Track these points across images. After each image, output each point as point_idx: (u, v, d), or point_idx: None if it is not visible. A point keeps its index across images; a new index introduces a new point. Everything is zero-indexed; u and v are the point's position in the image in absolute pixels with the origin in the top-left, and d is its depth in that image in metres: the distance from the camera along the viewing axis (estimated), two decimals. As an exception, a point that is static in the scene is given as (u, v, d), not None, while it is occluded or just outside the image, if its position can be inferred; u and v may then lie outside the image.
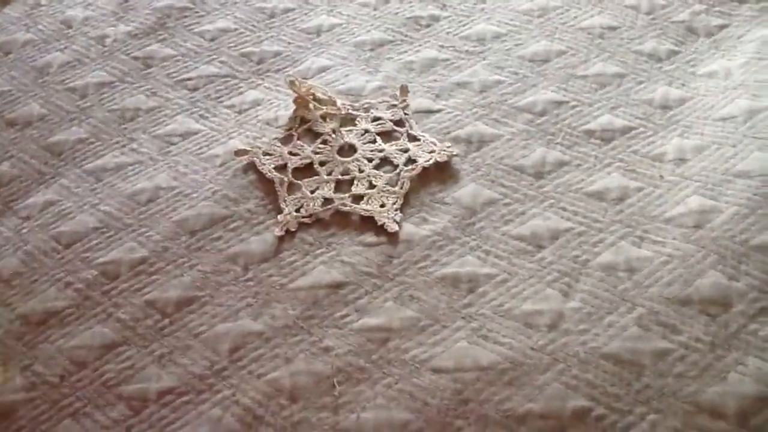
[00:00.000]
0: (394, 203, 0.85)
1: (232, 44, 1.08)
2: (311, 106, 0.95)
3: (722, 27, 1.03)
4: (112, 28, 1.13)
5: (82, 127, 0.99)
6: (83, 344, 0.77)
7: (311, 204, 0.86)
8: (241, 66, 1.04)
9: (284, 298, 0.78)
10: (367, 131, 0.94)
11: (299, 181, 0.89)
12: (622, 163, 0.87)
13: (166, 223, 0.86)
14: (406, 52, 1.04)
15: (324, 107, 0.95)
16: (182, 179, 0.91)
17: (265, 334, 0.76)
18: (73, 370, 0.75)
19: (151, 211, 0.88)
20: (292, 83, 0.95)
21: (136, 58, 1.07)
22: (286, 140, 0.94)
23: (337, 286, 0.78)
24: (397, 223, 0.83)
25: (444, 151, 0.89)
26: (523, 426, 0.67)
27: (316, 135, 0.94)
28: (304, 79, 0.99)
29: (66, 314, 0.80)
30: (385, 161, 0.90)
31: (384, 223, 0.83)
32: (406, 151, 0.90)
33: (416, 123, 0.93)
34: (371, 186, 0.87)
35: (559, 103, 0.94)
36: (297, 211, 0.86)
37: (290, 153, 0.92)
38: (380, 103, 0.96)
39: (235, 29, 1.10)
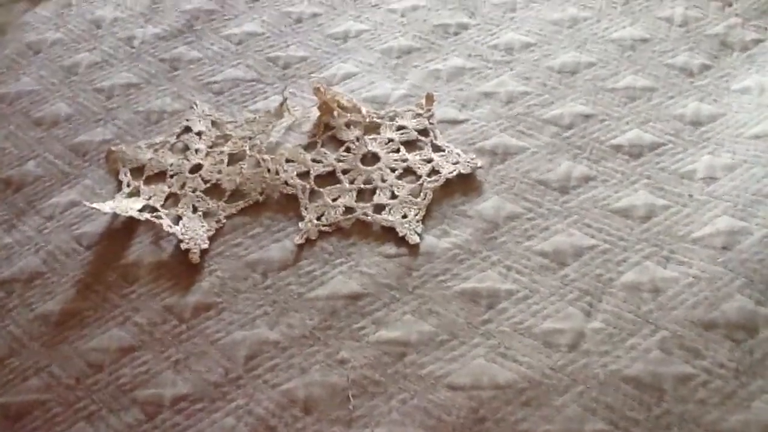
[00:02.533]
0: (416, 214, 0.84)
1: (258, 48, 1.08)
2: (335, 113, 0.95)
3: (758, 42, 1.01)
4: (141, 29, 1.13)
5: (108, 128, 0.99)
6: (100, 347, 0.77)
7: (332, 212, 0.86)
8: (266, 70, 1.04)
9: (302, 308, 0.78)
10: (391, 140, 0.93)
11: (321, 189, 0.88)
12: (649, 180, 0.85)
13: (187, 227, 0.86)
14: (433, 60, 1.03)
15: (348, 115, 0.95)
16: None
17: (281, 344, 0.75)
18: (89, 372, 0.76)
19: (173, 215, 0.88)
20: (317, 90, 0.95)
21: (162, 60, 1.08)
22: (309, 147, 0.93)
23: (356, 297, 0.78)
24: (419, 235, 0.82)
25: (468, 162, 0.88)
26: (539, 448, 0.66)
27: (340, 143, 0.93)
28: (329, 85, 0.98)
29: (84, 316, 0.80)
30: (408, 171, 0.89)
31: (405, 234, 0.82)
32: (429, 161, 0.89)
33: (441, 133, 0.92)
34: (393, 196, 0.87)
35: (587, 117, 0.93)
36: (318, 219, 0.85)
37: (313, 160, 0.91)
38: (406, 111, 0.95)
39: (262, 33, 1.10)
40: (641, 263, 0.78)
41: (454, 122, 0.94)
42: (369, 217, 0.84)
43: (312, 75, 1.02)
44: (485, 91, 0.97)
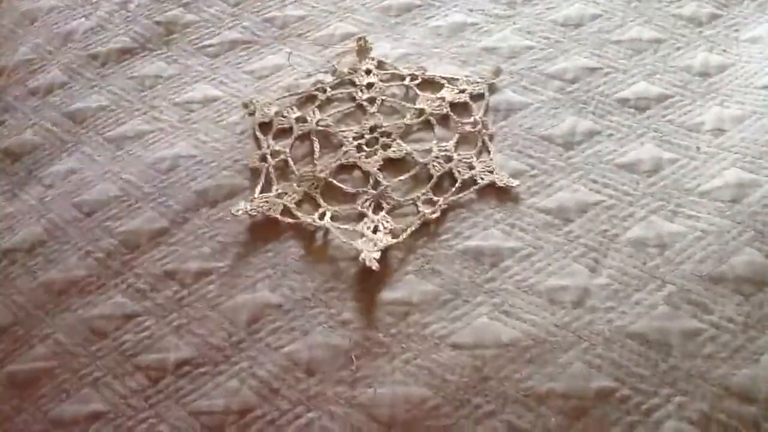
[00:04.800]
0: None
1: (255, 9, 1.05)
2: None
3: (769, -11, 0.97)
4: (137, -7, 1.11)
5: (103, 95, 0.98)
6: (103, 314, 0.77)
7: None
8: (263, 31, 1.02)
9: (303, 270, 0.77)
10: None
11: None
12: (656, 133, 0.83)
13: (187, 193, 0.85)
14: (433, 16, 1.00)
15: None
16: (202, 147, 0.90)
17: (283, 306, 0.75)
18: (94, 339, 0.76)
19: (172, 180, 0.87)
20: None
21: (158, 23, 1.06)
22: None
23: (357, 258, 0.77)
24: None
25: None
26: (544, 405, 0.66)
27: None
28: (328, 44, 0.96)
29: (87, 283, 0.80)
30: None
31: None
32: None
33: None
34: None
35: (592, 70, 0.90)
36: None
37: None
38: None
39: (260, -7, 1.08)
40: (647, 218, 0.76)
41: (455, 79, 0.92)
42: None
43: (309, 34, 1.00)
44: (487, 47, 0.95)
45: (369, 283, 0.75)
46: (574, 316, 0.70)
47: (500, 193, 0.80)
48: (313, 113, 0.90)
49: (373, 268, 0.74)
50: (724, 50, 0.91)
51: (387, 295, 0.74)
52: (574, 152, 0.83)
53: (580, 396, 0.66)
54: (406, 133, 0.87)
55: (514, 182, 0.80)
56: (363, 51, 0.94)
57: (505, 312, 0.71)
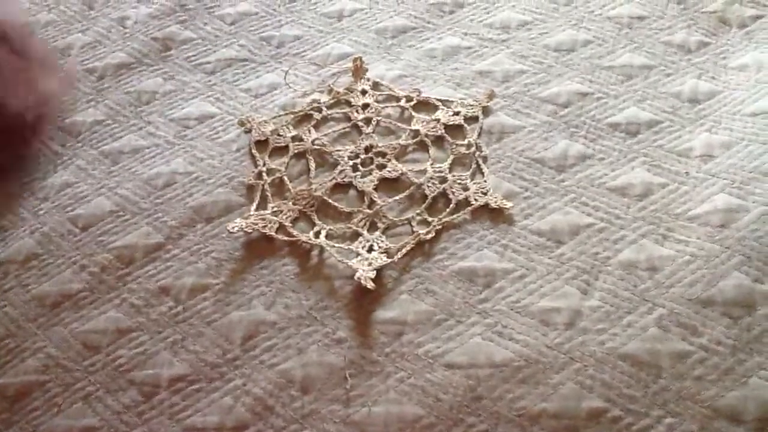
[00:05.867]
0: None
1: (252, 27, 1.07)
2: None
3: (756, 18, 1.00)
4: (134, 9, 1.12)
5: (99, 109, 0.98)
6: (97, 328, 0.77)
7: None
8: (259, 50, 1.03)
9: (298, 288, 0.78)
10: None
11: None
12: (646, 157, 0.85)
13: (182, 209, 0.86)
14: (428, 39, 1.02)
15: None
16: (198, 164, 0.90)
17: (278, 324, 0.75)
18: (87, 354, 0.75)
19: (168, 196, 0.87)
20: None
21: (155, 40, 1.07)
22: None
23: (352, 276, 0.77)
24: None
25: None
26: (536, 425, 0.66)
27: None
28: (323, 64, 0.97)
29: (80, 297, 0.80)
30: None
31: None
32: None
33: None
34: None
35: (584, 95, 0.92)
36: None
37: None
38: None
39: (256, 12, 1.09)
40: (638, 241, 0.77)
41: (450, 101, 0.93)
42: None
43: (306, 54, 1.02)
44: (481, 70, 0.96)
45: (364, 302, 0.76)
46: (566, 338, 0.71)
47: (494, 215, 0.81)
48: (309, 132, 0.91)
49: (369, 287, 0.75)
50: (713, 77, 0.93)
51: (381, 314, 0.75)
52: (567, 175, 0.84)
53: (572, 416, 0.66)
54: (401, 154, 0.88)
55: (508, 204, 0.81)
56: (359, 71, 0.96)
57: (498, 332, 0.72)
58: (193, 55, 1.04)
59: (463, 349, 0.71)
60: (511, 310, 0.74)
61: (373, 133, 0.90)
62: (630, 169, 0.84)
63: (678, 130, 0.88)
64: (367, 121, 0.92)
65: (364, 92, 0.94)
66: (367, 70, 0.96)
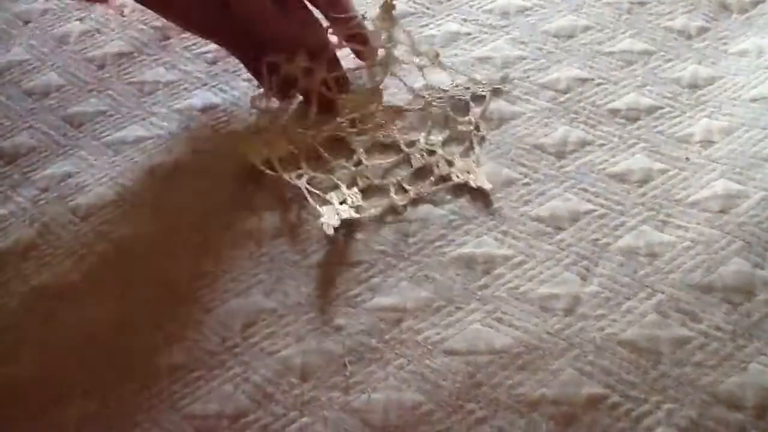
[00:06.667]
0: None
1: (251, 15, 1.06)
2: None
3: (756, 3, 0.99)
4: (131, -3, 1.12)
5: (101, 99, 0.98)
6: (95, 319, 0.77)
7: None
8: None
9: (297, 276, 0.78)
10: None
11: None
12: (646, 143, 0.85)
13: (184, 199, 0.86)
14: (427, 25, 1.01)
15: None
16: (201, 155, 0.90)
17: (277, 311, 0.75)
18: (86, 345, 0.75)
19: (170, 187, 0.87)
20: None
21: (154, 28, 1.06)
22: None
23: (351, 264, 0.77)
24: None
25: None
26: (535, 411, 0.66)
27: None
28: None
29: (79, 288, 0.80)
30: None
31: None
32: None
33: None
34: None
35: (584, 81, 0.92)
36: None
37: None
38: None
39: (255, 0, 1.08)
40: (638, 227, 0.77)
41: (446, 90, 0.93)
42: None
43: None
44: (480, 56, 0.96)
45: (362, 288, 0.76)
46: (565, 324, 0.71)
47: (493, 201, 0.81)
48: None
49: (328, 233, 0.77)
50: (713, 63, 0.93)
51: (380, 301, 0.75)
52: (566, 161, 0.84)
53: (571, 402, 0.66)
54: (400, 119, 0.89)
55: (488, 185, 0.81)
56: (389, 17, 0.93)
57: (497, 319, 0.72)
58: (193, 44, 1.04)
59: (463, 336, 0.71)
60: (511, 296, 0.74)
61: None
62: (630, 155, 0.84)
63: (678, 115, 0.87)
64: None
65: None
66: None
